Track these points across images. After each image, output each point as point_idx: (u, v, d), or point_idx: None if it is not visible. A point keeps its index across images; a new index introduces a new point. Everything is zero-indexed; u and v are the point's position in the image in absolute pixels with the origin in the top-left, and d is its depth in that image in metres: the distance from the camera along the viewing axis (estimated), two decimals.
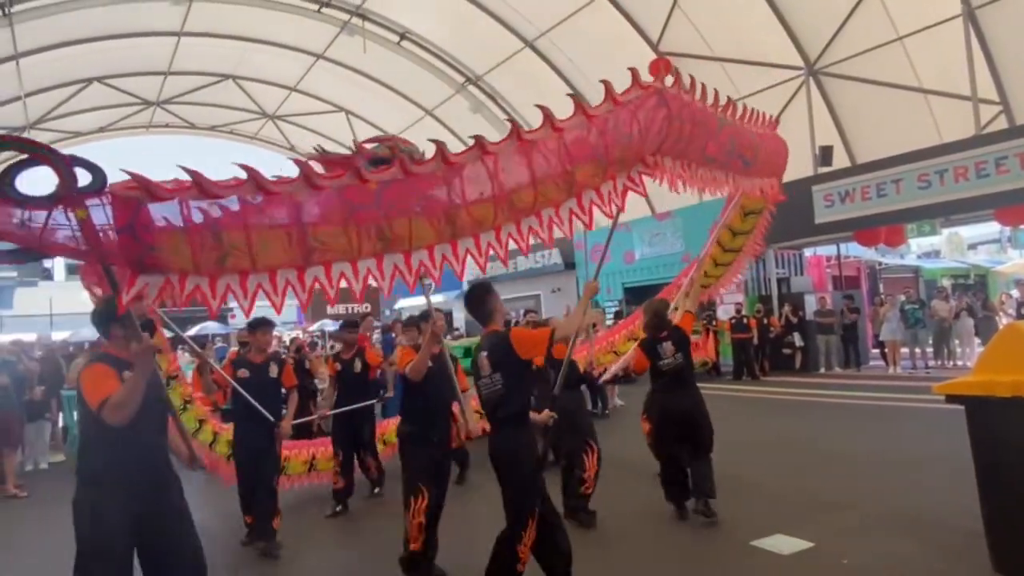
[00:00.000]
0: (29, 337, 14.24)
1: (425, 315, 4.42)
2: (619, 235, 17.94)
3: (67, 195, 2.27)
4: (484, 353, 3.41)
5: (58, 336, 18.19)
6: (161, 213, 2.40)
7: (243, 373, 5.04)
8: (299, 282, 2.72)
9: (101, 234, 2.31)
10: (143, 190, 2.40)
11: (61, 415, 9.65)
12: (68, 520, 2.64)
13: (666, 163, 3.87)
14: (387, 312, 26.81)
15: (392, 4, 16.43)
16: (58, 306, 32.40)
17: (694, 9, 13.94)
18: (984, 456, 3.55)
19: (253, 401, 4.86)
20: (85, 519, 2.63)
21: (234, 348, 10.65)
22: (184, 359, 17.40)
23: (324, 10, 16.49)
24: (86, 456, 2.75)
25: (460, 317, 23.64)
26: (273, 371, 5.14)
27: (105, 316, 2.81)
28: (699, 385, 5.04)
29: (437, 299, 25.90)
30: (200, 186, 2.46)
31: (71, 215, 2.26)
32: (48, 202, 2.28)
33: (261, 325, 5.14)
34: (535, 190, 3.17)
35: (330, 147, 4.06)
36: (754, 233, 6.22)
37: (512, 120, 3.37)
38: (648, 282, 16.18)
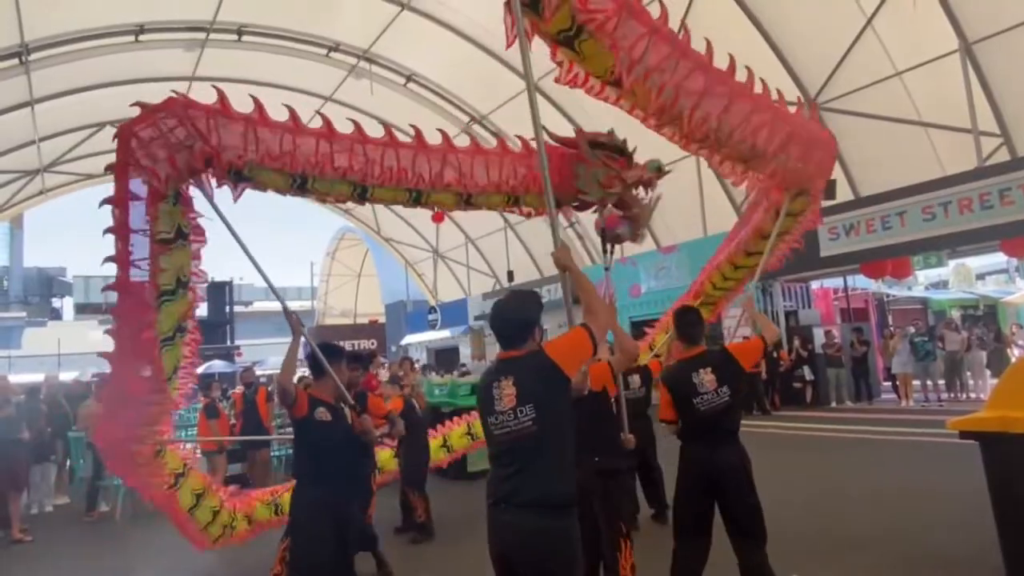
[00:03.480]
0: (37, 377, 14.28)
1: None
2: (624, 269, 17.95)
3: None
4: (708, 369, 3.53)
5: (66, 376, 18.21)
6: None
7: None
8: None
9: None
10: None
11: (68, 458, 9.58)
12: (73, 563, 2.57)
13: None
14: (392, 349, 26.52)
15: (398, 48, 16.82)
16: (66, 346, 32.52)
17: (694, 47, 14.20)
18: (1001, 492, 3.48)
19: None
20: None
21: (237, 389, 10.44)
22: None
23: (332, 54, 16.89)
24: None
25: (467, 354, 23.54)
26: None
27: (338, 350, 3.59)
28: None
29: (443, 334, 25.83)
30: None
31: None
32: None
33: (364, 358, 5.02)
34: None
35: None
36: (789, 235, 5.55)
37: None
38: (654, 316, 16.11)
